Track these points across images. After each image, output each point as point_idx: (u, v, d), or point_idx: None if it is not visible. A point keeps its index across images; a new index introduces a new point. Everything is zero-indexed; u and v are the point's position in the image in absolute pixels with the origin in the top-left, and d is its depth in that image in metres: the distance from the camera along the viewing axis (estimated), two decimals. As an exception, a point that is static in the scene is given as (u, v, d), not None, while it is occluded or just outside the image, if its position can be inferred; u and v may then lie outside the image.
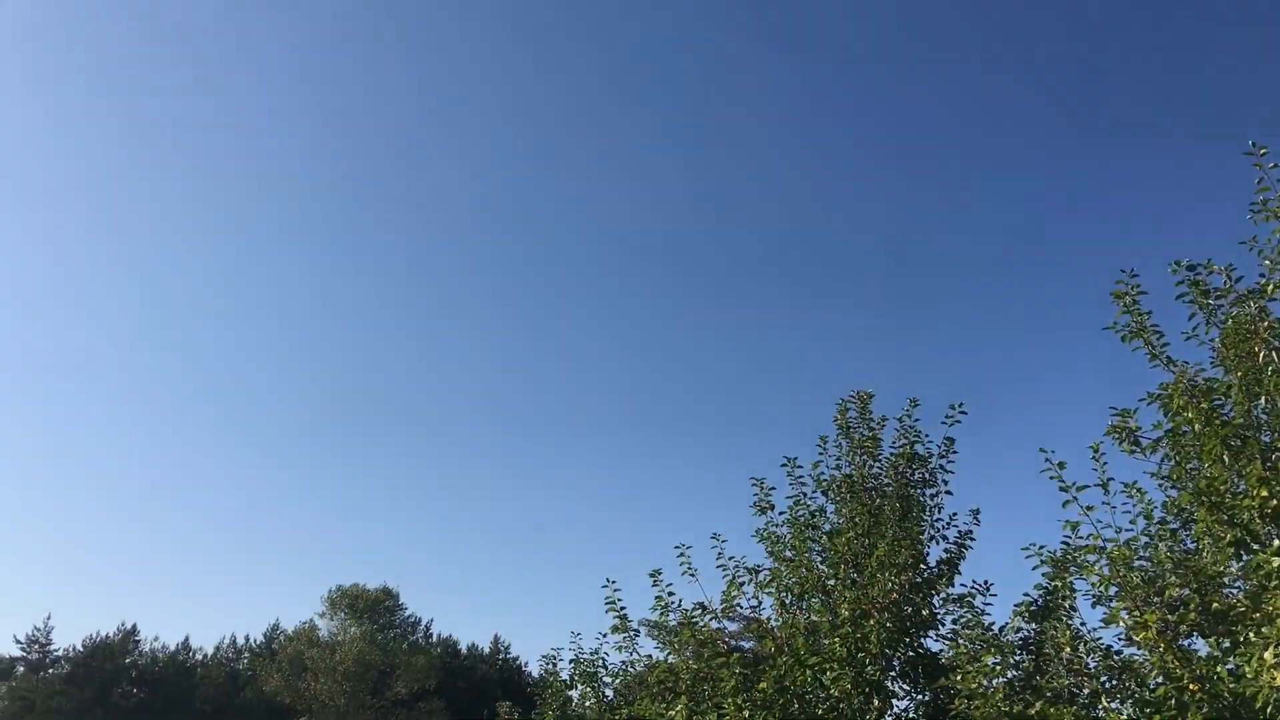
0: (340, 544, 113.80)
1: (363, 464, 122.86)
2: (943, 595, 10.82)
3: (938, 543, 11.31)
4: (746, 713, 9.39)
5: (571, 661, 14.34)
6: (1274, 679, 6.15)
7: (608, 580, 11.69)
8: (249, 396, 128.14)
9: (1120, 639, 8.57)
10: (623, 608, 11.70)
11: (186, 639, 76.01)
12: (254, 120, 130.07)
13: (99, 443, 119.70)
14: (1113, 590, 7.83)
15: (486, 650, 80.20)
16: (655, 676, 10.75)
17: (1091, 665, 8.49)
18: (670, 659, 11.24)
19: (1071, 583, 8.99)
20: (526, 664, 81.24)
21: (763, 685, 9.68)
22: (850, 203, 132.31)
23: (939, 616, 10.77)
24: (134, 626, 68.61)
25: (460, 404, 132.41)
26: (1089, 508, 8.37)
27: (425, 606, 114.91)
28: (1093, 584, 8.12)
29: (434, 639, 73.42)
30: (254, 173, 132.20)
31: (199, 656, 74.55)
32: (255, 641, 76.84)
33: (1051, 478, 8.52)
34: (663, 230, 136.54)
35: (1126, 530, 8.72)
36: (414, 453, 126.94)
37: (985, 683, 8.59)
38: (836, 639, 10.26)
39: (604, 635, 14.49)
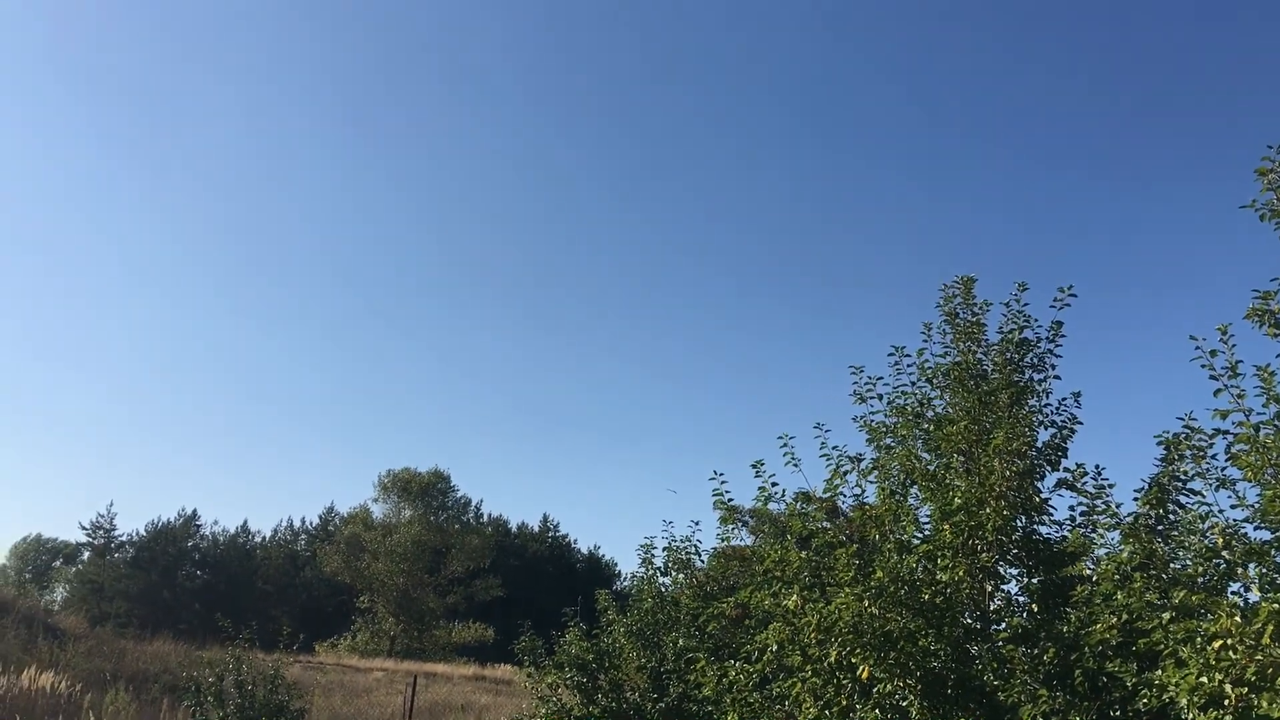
0: (391, 429, 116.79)
1: (410, 350, 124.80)
2: (1054, 480, 10.76)
3: (1046, 428, 11.19)
4: (866, 602, 9.46)
5: (665, 549, 14.66)
6: None
7: (714, 473, 11.73)
8: (301, 285, 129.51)
9: (1253, 525, 8.48)
10: (730, 500, 11.78)
11: (245, 523, 78.75)
12: None
13: (157, 332, 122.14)
14: (1269, 475, 7.68)
15: (536, 529, 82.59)
16: (764, 566, 10.83)
17: (1224, 550, 8.39)
18: (775, 549, 11.29)
19: (1206, 467, 8.84)
20: (575, 541, 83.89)
21: (877, 575, 9.72)
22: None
23: (1048, 501, 10.73)
24: (194, 511, 70.92)
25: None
26: (1240, 394, 8.16)
27: (475, 488, 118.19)
28: (1244, 469, 7.96)
29: (485, 519, 75.59)
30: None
31: (258, 539, 77.25)
32: (311, 524, 79.42)
33: (1203, 366, 8.29)
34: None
35: (1258, 414, 8.54)
36: (455, 340, 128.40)
37: (1119, 570, 8.57)
38: (947, 526, 10.26)
39: (696, 523, 14.82)
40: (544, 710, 13.80)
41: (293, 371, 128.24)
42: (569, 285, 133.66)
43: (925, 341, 11.83)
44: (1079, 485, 10.24)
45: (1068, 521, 10.39)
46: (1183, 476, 9.51)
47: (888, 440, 11.67)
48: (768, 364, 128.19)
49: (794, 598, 10.04)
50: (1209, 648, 7.22)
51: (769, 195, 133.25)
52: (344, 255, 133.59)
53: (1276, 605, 7.20)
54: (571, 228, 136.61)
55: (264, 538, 77.63)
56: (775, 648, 10.16)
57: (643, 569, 14.94)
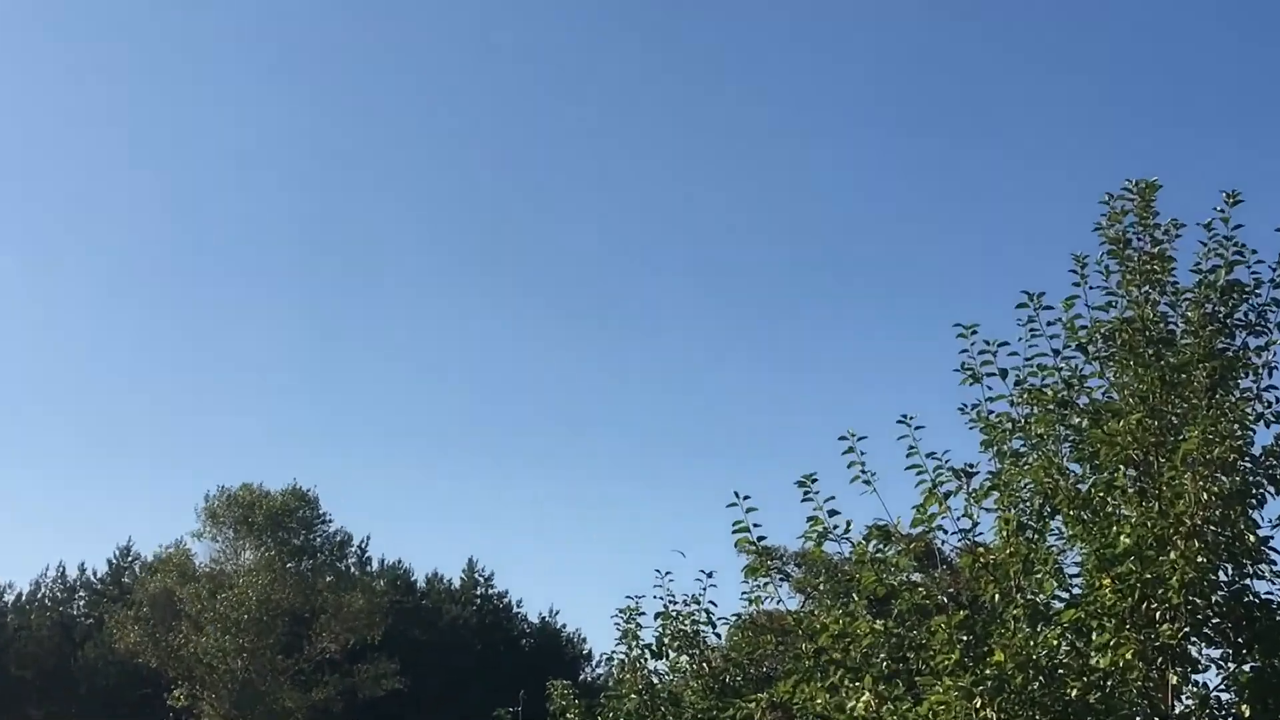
0: (219, 431, 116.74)
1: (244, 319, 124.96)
2: (1281, 509, 10.82)
3: (1268, 425, 11.22)
4: (978, 700, 9.48)
5: (659, 616, 14.66)
6: None
7: (736, 495, 11.70)
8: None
9: None
10: (760, 539, 11.79)
11: (-13, 574, 78.64)
12: None
13: None
14: None
15: (456, 583, 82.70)
16: (818, 643, 10.86)
17: None
18: (834, 615, 11.31)
19: None
20: (519, 604, 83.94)
21: (997, 658, 9.74)
22: None
23: (1270, 542, 10.76)
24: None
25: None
26: None
27: (359, 518, 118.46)
28: None
29: (375, 567, 75.73)
30: None
31: (8, 599, 77.20)
32: (96, 575, 79.34)
33: None
34: None
35: None
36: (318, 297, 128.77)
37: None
38: (1108, 581, 10.29)
39: (708, 575, 14.80)
40: None
41: (66, 355, 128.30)
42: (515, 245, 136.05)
43: (1077, 285, 11.81)
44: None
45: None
46: None
47: (1015, 442, 11.70)
48: (806, 359, 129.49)
49: (865, 695, 10.06)
50: None
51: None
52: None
53: None
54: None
55: (21, 595, 77.65)
56: (835, 775, 10.23)
57: (623, 646, 14.95)
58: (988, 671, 9.69)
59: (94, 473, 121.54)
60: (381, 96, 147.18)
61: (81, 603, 78.81)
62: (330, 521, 65.89)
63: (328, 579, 63.55)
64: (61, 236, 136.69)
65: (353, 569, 69.70)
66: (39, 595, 79.13)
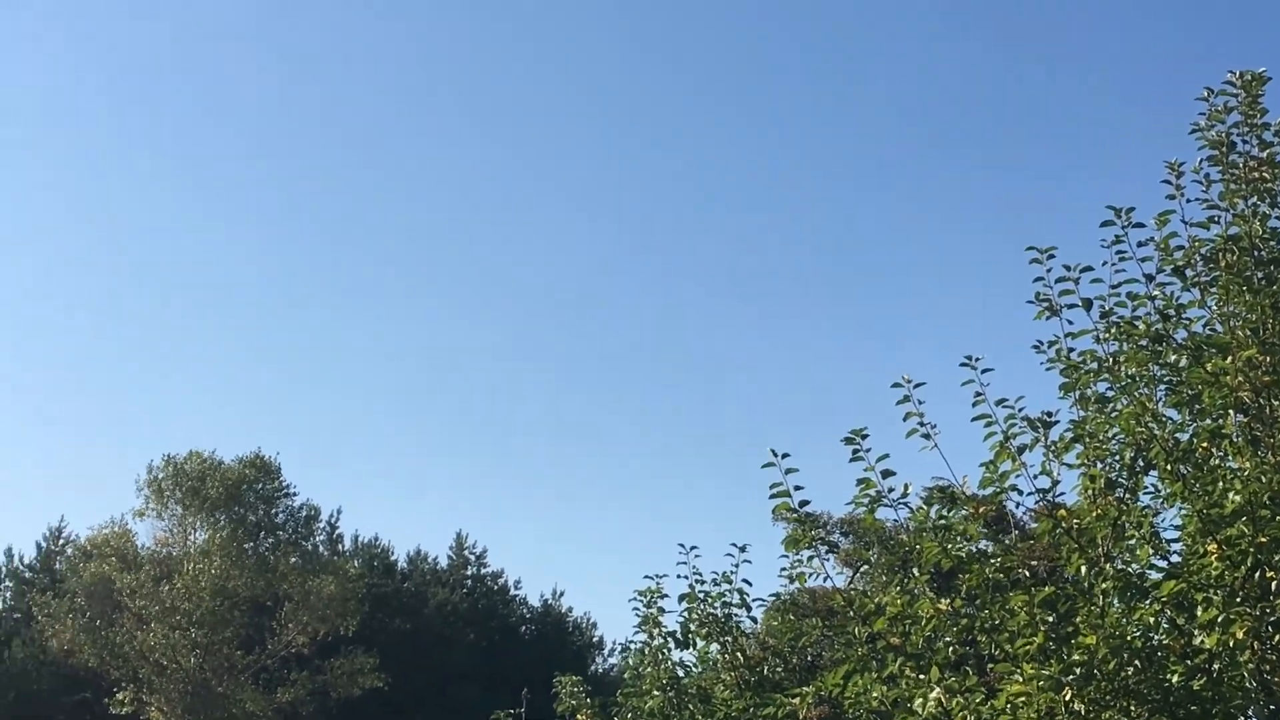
0: (162, 393, 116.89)
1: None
2: None
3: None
4: (1067, 691, 9.43)
5: (684, 598, 14.62)
6: None
7: (773, 454, 11.61)
8: None
9: None
10: (803, 503, 11.69)
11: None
12: None
13: None
14: None
15: (444, 563, 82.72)
16: (871, 627, 10.83)
17: None
18: (893, 593, 11.27)
19: None
20: (517, 584, 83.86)
21: (1086, 640, 9.70)
22: None
23: None
24: None
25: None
26: None
27: (327, 489, 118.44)
28: None
29: (348, 545, 75.75)
30: None
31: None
32: (25, 560, 79.53)
33: None
34: None
35: None
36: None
37: None
38: (1214, 548, 10.23)
39: (741, 550, 14.74)
40: None
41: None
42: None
43: (1172, 198, 11.69)
44: None
45: None
46: None
47: (1102, 385, 11.63)
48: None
49: (934, 692, 10.01)
50: None
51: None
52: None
53: None
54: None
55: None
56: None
57: (642, 634, 14.92)
58: (1075, 655, 9.66)
59: (18, 442, 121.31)
60: None
61: (7, 594, 78.99)
62: (295, 494, 65.93)
63: (293, 561, 63.59)
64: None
65: (322, 549, 69.67)
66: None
